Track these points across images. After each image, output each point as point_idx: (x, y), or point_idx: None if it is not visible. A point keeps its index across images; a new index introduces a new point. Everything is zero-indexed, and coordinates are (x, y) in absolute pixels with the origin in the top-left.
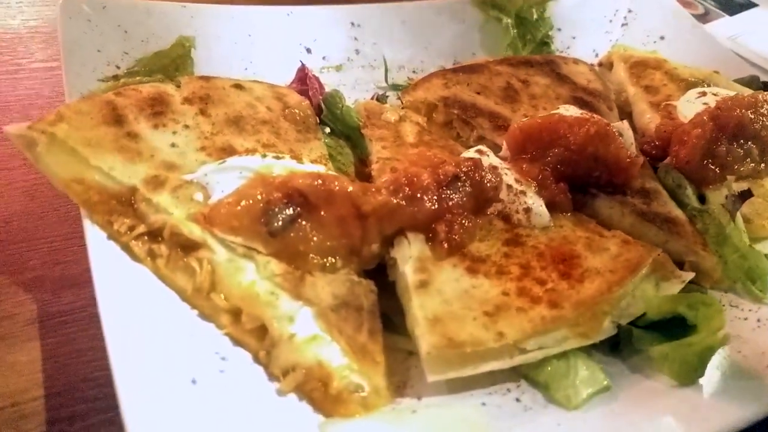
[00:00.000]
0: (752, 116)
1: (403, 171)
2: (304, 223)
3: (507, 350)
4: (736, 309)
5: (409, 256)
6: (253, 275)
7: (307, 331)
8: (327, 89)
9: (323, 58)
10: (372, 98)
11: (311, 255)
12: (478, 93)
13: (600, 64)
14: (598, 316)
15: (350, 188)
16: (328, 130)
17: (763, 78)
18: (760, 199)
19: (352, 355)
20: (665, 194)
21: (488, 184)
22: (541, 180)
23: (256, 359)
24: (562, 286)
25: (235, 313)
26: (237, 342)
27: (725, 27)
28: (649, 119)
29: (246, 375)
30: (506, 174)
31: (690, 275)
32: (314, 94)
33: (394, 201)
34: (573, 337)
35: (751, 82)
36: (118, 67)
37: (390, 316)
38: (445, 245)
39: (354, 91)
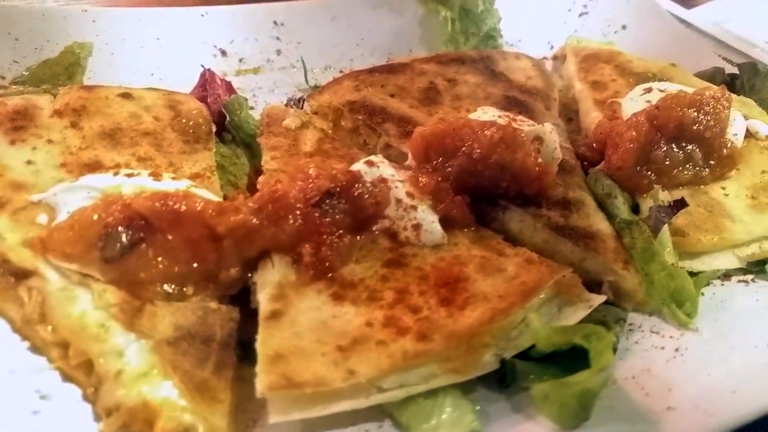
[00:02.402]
0: (696, 115)
1: (268, 186)
2: (146, 248)
3: (361, 389)
4: (655, 336)
5: (270, 282)
6: (86, 305)
7: (137, 366)
8: (242, 94)
9: (240, 60)
10: (286, 103)
11: (155, 282)
12: (393, 95)
13: (555, 58)
14: (477, 349)
15: (200, 208)
16: (231, 138)
17: (730, 70)
18: (701, 208)
19: (186, 393)
20: (592, 205)
21: (369, 200)
22: (436, 192)
23: (86, 397)
24: (438, 314)
25: (65, 347)
26: (67, 378)
27: (712, 12)
28: (594, 118)
29: (66, 416)
30: (397, 187)
31: (600, 299)
32: (214, 101)
33: (254, 221)
34: (442, 373)
35: (714, 75)
36: (3, 78)
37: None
38: (310, 269)
39: (272, 94)
